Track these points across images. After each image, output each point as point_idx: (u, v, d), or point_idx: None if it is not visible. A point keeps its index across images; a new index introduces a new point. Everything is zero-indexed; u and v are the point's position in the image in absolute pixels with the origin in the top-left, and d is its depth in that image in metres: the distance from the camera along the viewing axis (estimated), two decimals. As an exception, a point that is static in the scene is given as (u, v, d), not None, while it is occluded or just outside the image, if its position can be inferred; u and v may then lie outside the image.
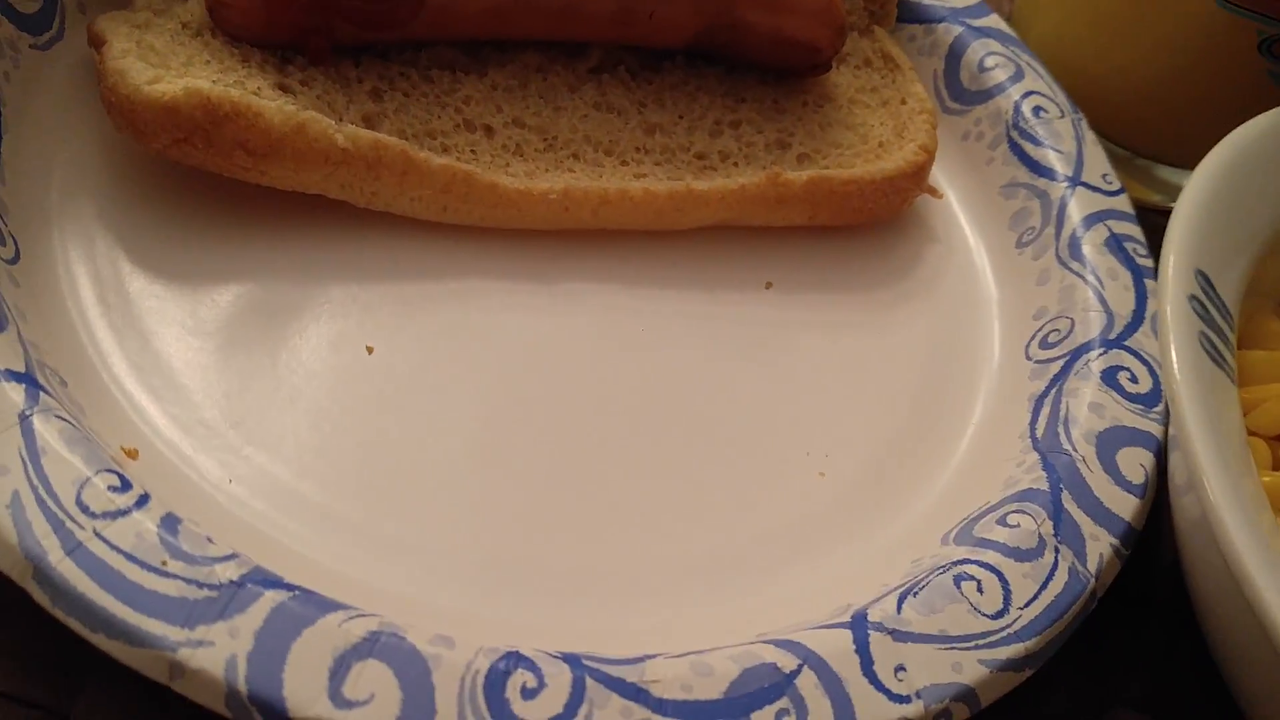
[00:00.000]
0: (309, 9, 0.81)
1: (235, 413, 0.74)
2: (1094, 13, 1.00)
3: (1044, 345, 0.87)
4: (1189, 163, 0.96)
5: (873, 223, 0.94)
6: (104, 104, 0.80)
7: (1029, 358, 0.88)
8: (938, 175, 0.98)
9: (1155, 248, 0.88)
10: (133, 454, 0.70)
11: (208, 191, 0.82)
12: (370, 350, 0.80)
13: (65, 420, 0.65)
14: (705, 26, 0.90)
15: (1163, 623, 0.81)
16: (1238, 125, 0.83)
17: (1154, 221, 0.95)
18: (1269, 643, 0.61)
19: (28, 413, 0.65)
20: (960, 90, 1.01)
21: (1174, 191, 1.03)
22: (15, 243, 0.76)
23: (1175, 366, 0.68)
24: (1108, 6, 0.98)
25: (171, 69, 0.80)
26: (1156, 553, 0.83)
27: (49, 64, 0.85)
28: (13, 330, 0.69)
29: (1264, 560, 0.61)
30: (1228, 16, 0.90)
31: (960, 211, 0.98)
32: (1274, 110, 0.83)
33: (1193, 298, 0.72)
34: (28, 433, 0.64)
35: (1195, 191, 0.76)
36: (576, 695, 0.62)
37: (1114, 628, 0.79)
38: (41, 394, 0.66)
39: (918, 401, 0.86)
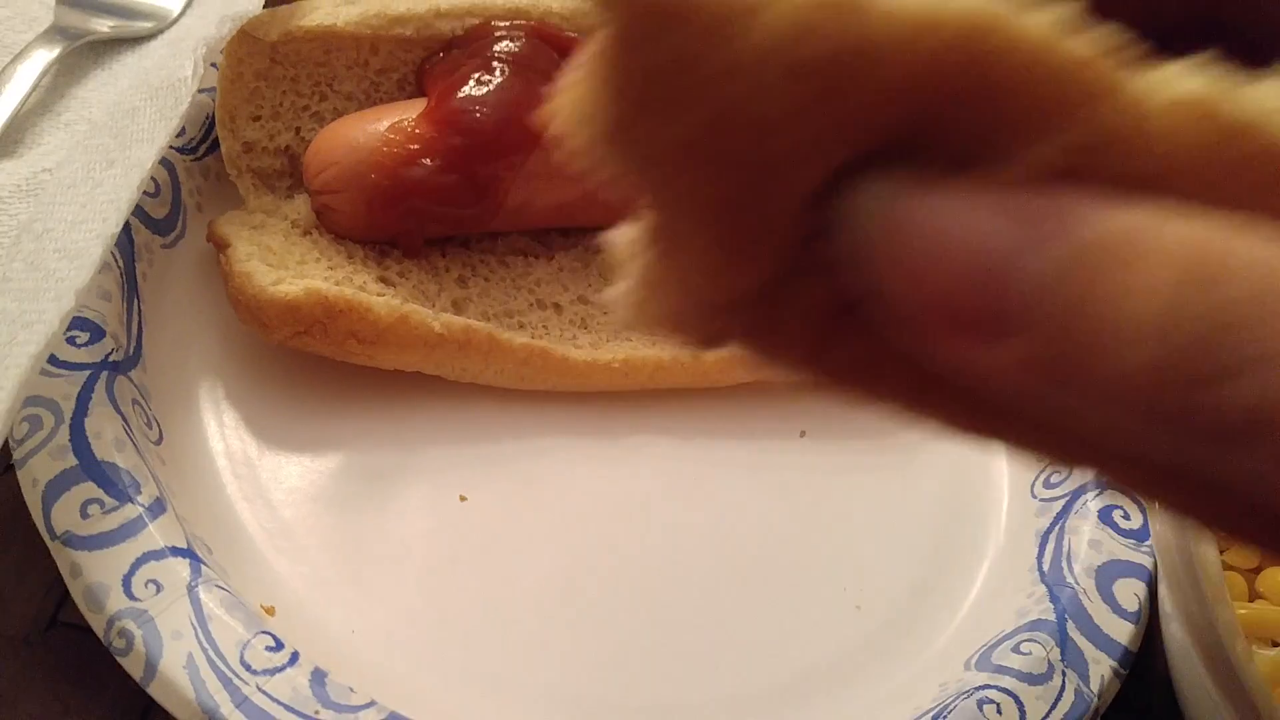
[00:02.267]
0: (405, 215, 0.95)
1: (351, 571, 0.87)
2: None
3: (1047, 485, 1.00)
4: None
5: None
6: (231, 301, 0.93)
7: (1035, 496, 1.00)
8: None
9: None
10: (270, 611, 0.82)
11: (319, 372, 0.95)
12: (463, 499, 0.92)
13: (223, 589, 0.78)
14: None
15: (1160, 730, 0.92)
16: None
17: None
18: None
19: (194, 584, 0.77)
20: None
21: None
22: (159, 425, 0.89)
23: (1160, 517, 0.80)
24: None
25: (289, 268, 0.93)
26: (1152, 666, 0.95)
27: (175, 261, 0.98)
28: (171, 509, 0.82)
29: (1233, 690, 0.73)
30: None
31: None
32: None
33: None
34: (195, 601, 0.76)
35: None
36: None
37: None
38: (202, 566, 0.79)
39: (939, 539, 0.98)
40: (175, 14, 1.05)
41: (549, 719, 0.83)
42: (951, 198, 0.30)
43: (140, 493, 0.80)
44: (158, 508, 0.80)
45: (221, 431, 0.91)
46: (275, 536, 0.87)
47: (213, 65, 0.97)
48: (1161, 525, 0.81)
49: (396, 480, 0.92)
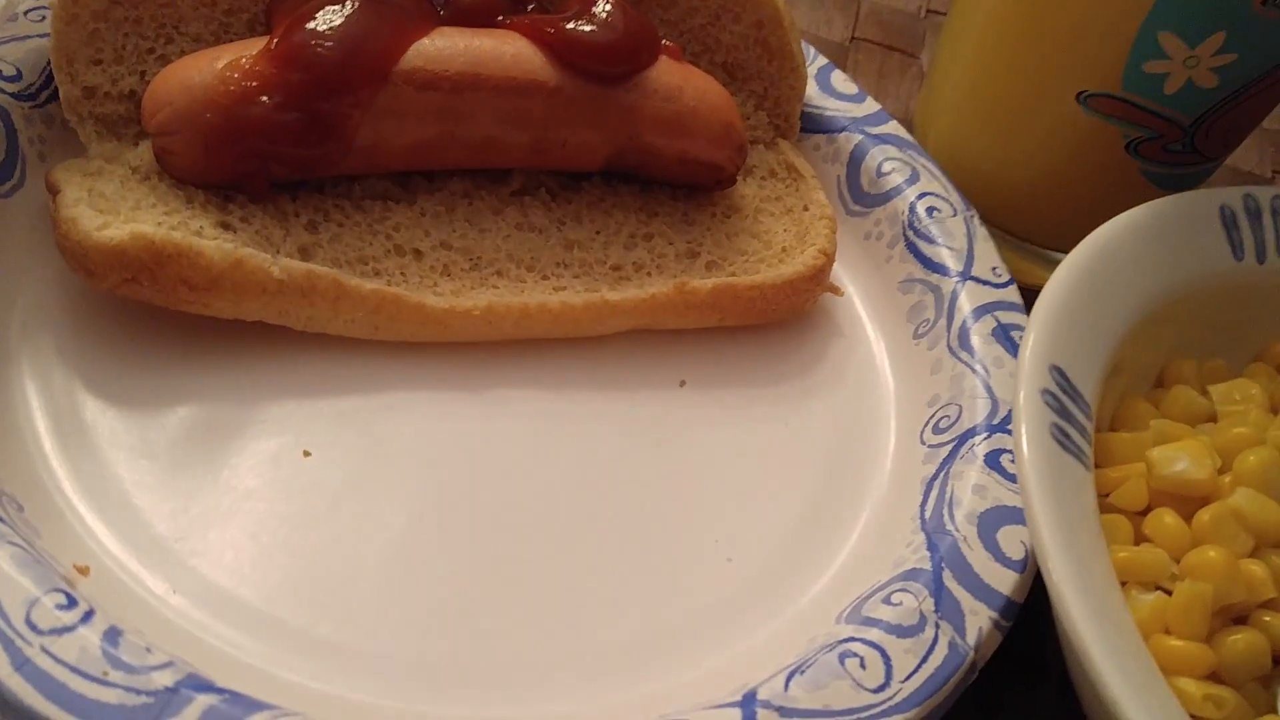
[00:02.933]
0: (245, 155, 0.89)
1: (180, 528, 0.81)
2: (982, 115, 1.08)
3: (936, 430, 0.94)
4: (1069, 245, 1.04)
5: (779, 321, 1.01)
6: (58, 247, 0.87)
7: (923, 442, 0.94)
8: (840, 273, 1.05)
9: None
10: (84, 571, 0.77)
11: (156, 323, 0.90)
12: (307, 454, 0.87)
13: (16, 545, 0.72)
14: (615, 151, 0.98)
15: (1057, 687, 0.87)
16: (1112, 209, 0.90)
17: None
18: (1108, 710, 0.67)
19: (-18, 540, 0.72)
20: (861, 194, 1.09)
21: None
22: (-22, 380, 0.84)
23: (1025, 459, 0.74)
24: (993, 109, 1.06)
25: (120, 214, 0.88)
26: (1046, 619, 0.89)
27: (10, 211, 0.92)
28: (-28, 464, 0.77)
29: (1101, 635, 0.68)
30: (1095, 121, 0.98)
31: (862, 307, 1.05)
32: (1138, 206, 0.91)
33: (1045, 391, 0.78)
34: (-20, 559, 0.71)
35: (1054, 289, 0.83)
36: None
37: (1011, 693, 0.85)
38: (-4, 523, 0.73)
39: (820, 488, 0.93)
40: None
41: (391, 687, 0.78)
42: None
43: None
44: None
45: (48, 386, 0.86)
46: (99, 495, 0.82)
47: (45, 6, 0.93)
48: (1026, 468, 0.75)
49: (235, 435, 0.87)
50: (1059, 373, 0.80)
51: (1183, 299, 0.89)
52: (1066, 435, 0.78)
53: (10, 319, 0.88)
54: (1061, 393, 0.80)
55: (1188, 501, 0.81)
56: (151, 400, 0.87)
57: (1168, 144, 0.99)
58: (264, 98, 0.88)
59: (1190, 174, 1.04)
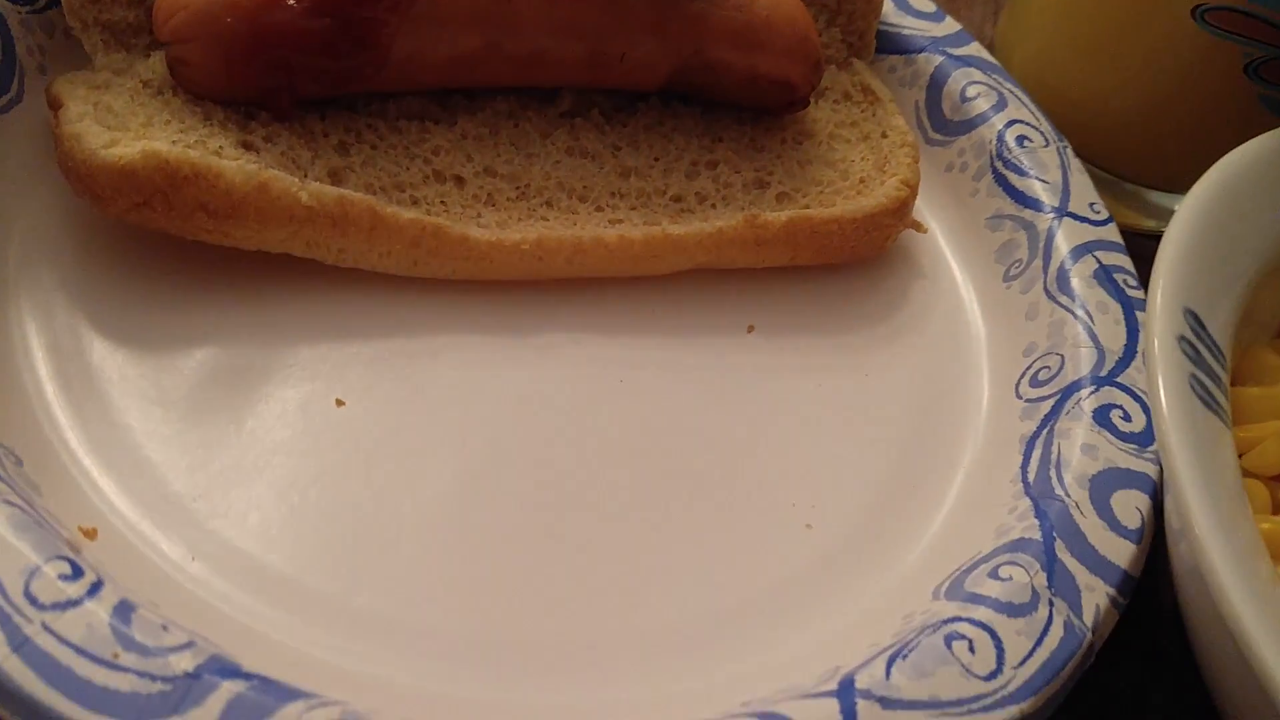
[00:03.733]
0: (270, 66, 0.80)
1: (199, 486, 0.72)
2: (1076, 36, 0.97)
3: (1034, 383, 0.85)
4: (1178, 187, 0.94)
5: (856, 260, 0.91)
6: (61, 168, 0.78)
7: (1019, 396, 0.85)
8: (921, 208, 0.95)
9: (1146, 276, 0.86)
10: (91, 534, 0.68)
11: (171, 254, 0.80)
12: (340, 403, 0.78)
13: (14, 505, 0.63)
14: (678, 67, 0.88)
15: (1171, 673, 0.78)
16: (1228, 149, 0.80)
17: (1145, 247, 0.93)
18: (1266, 698, 0.58)
19: (-27, 498, 0.63)
20: (943, 121, 0.99)
21: (1164, 216, 1.01)
22: (-30, 317, 0.74)
23: (1165, 414, 0.65)
24: (1089, 30, 0.96)
25: (130, 130, 0.78)
26: (1157, 596, 0.81)
27: (7, 128, 0.83)
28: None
29: (1259, 613, 0.59)
30: (1211, 39, 0.88)
31: (946, 245, 0.96)
32: (1263, 135, 0.81)
33: (1182, 339, 0.69)
34: (-28, 519, 0.62)
35: (1182, 226, 0.73)
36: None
37: (1119, 680, 0.77)
38: (-10, 479, 0.64)
39: (907, 446, 0.83)
40: None
41: (436, 668, 0.68)
42: None
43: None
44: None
45: (49, 325, 0.77)
46: (107, 447, 0.73)
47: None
48: (1167, 425, 0.66)
49: (260, 381, 0.78)
50: (1194, 318, 0.71)
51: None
52: (1205, 389, 0.69)
53: (7, 250, 0.79)
54: (1197, 340, 0.70)
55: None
56: (166, 341, 0.78)
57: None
58: (290, 1, 0.78)
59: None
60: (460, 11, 0.82)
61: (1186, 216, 0.74)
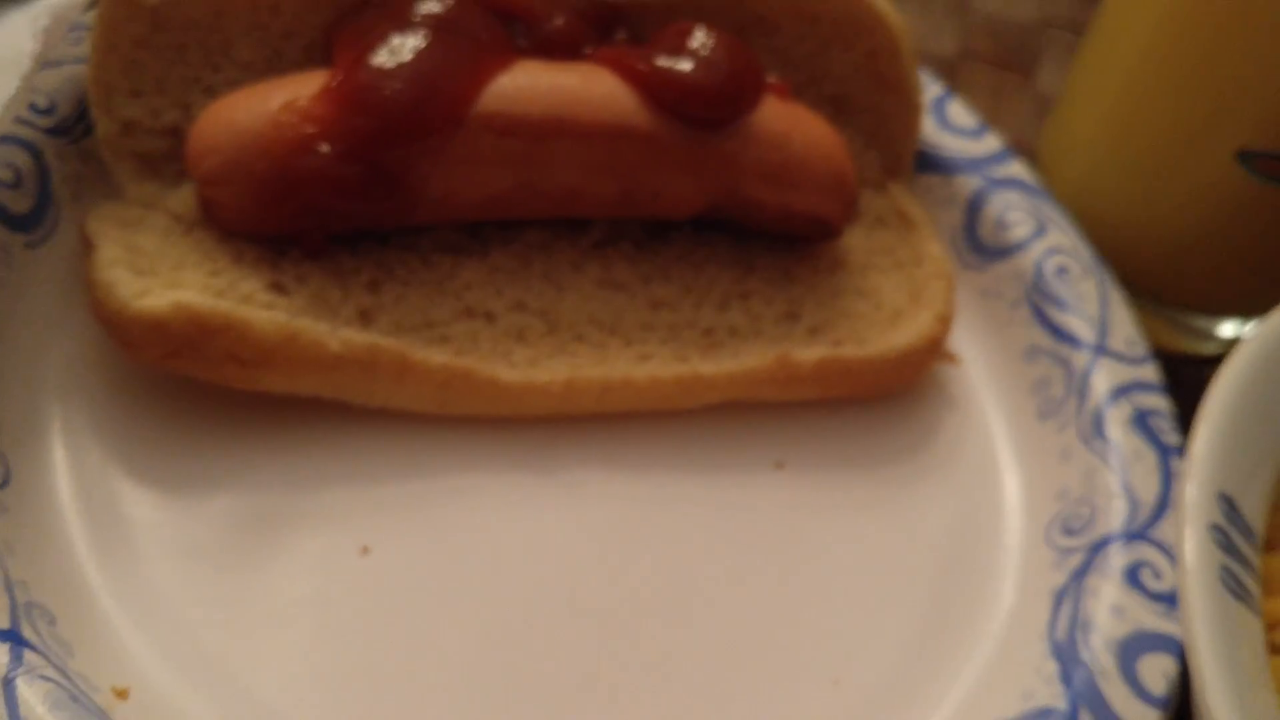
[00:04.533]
0: (301, 211, 0.80)
1: (228, 643, 0.73)
2: (1123, 162, 0.96)
3: (1066, 531, 0.84)
4: (1220, 311, 0.93)
5: (888, 394, 0.91)
6: (93, 314, 0.78)
7: (1050, 544, 0.84)
8: (954, 333, 0.94)
9: (1181, 401, 0.85)
10: (123, 694, 0.69)
11: (199, 393, 0.81)
12: (365, 550, 0.78)
13: (52, 680, 0.64)
14: (711, 202, 0.87)
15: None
16: (1273, 279, 0.79)
17: (1182, 370, 0.92)
18: None
19: (12, 675, 0.64)
20: (980, 246, 0.98)
21: (1203, 338, 1.00)
22: (5, 462, 0.75)
23: (1196, 616, 0.65)
24: (1137, 156, 0.94)
25: (161, 275, 0.78)
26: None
27: (42, 262, 0.83)
28: (1, 575, 0.68)
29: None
30: (1258, 181, 0.87)
31: (979, 375, 0.95)
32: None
33: (1214, 527, 0.68)
34: (10, 698, 0.63)
35: (1217, 405, 0.72)
36: None
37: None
38: (26, 652, 0.65)
39: (937, 595, 0.83)
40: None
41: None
42: None
43: (-45, 559, 0.67)
44: (-23, 577, 0.67)
45: (80, 471, 0.77)
46: (137, 600, 0.73)
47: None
48: (1191, 590, 0.66)
49: (286, 529, 0.78)
50: (1227, 503, 0.70)
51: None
52: (1237, 579, 0.68)
53: (43, 386, 0.80)
54: (1230, 525, 0.69)
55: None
56: (194, 486, 0.79)
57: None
58: (323, 146, 0.78)
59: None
60: (495, 153, 0.82)
61: (1224, 391, 0.73)
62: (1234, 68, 0.84)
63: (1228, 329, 0.99)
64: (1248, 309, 0.97)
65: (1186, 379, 0.91)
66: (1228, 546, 0.68)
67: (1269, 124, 0.84)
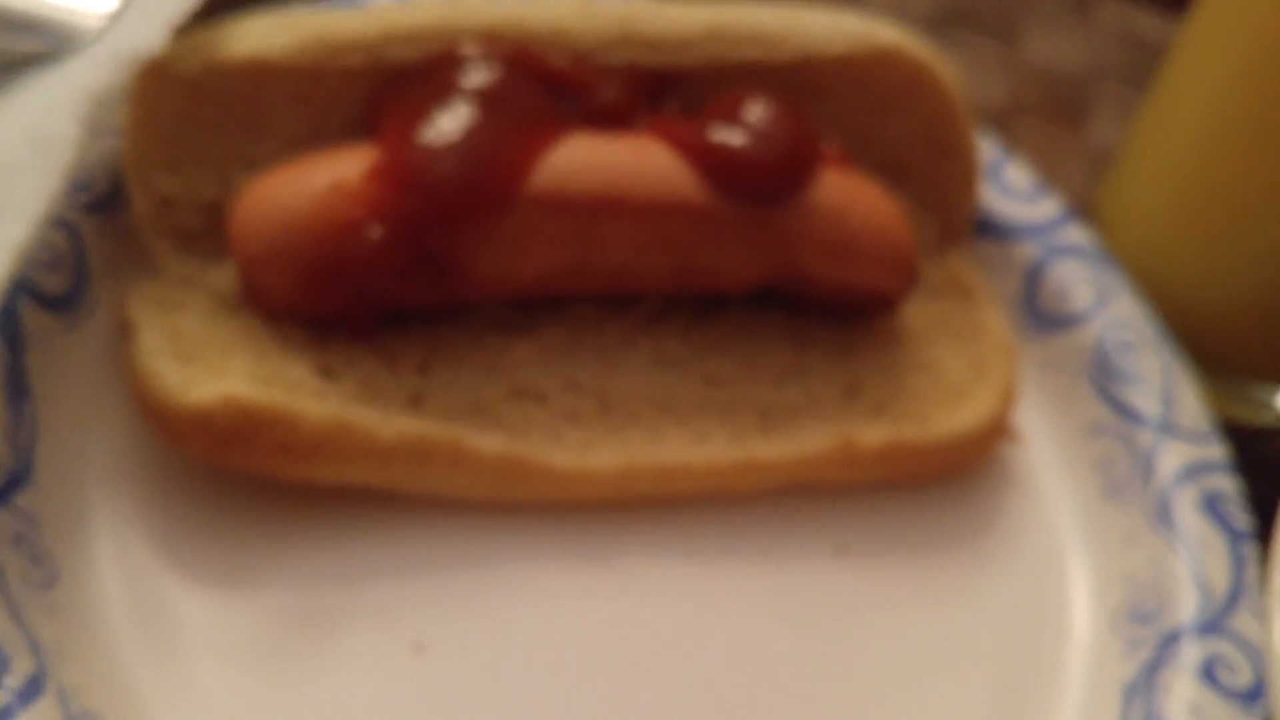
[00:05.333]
0: (349, 295, 0.77)
1: (278, 752, 0.71)
2: (1188, 223, 0.93)
3: (1134, 618, 0.82)
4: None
5: (949, 474, 0.88)
6: (136, 403, 0.76)
7: (1117, 633, 0.82)
8: (1016, 408, 0.91)
9: (1250, 475, 0.83)
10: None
11: (247, 483, 0.78)
12: (418, 648, 0.76)
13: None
14: (767, 277, 0.85)
15: None
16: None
17: (1252, 443, 0.90)
18: None
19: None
20: (1039, 315, 0.95)
21: (1267, 410, 0.97)
22: (50, 562, 0.73)
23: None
24: (1203, 218, 0.92)
25: (205, 363, 0.76)
26: None
27: (81, 342, 0.81)
28: (51, 686, 0.66)
29: None
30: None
31: (1040, 452, 0.92)
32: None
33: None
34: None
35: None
36: None
37: None
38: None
39: (1002, 688, 0.81)
40: (97, 28, 0.87)
41: None
42: None
43: (9, 671, 0.65)
44: (32, 690, 0.65)
45: (126, 568, 0.75)
46: (185, 703, 0.71)
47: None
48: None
49: (336, 626, 0.76)
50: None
51: None
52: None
53: (86, 474, 0.78)
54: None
55: None
56: (243, 582, 0.77)
57: None
58: (373, 229, 0.76)
59: None
60: (546, 232, 0.79)
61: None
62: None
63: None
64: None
65: (1254, 451, 0.89)
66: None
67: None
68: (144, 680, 0.72)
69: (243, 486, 0.78)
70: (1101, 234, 0.99)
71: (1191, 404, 0.88)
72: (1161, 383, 0.89)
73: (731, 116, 0.83)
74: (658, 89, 0.87)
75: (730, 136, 0.82)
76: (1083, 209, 1.02)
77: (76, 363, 0.80)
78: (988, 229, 0.97)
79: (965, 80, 0.91)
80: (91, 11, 0.88)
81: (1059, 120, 1.17)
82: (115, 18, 0.87)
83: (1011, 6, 1.25)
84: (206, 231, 0.83)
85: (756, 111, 0.83)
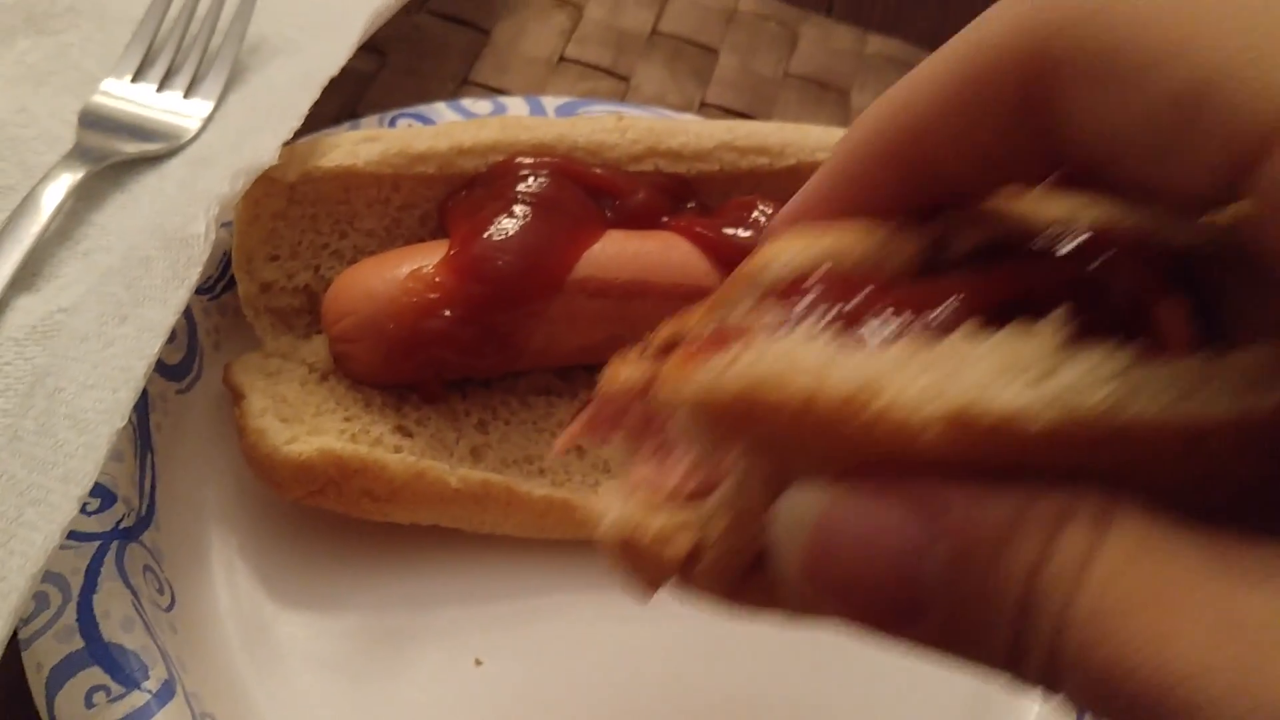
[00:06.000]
0: (424, 364, 0.92)
1: (365, 748, 0.85)
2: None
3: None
4: None
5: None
6: (244, 456, 0.91)
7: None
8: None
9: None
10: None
11: (332, 524, 0.93)
12: (478, 662, 0.90)
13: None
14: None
15: None
16: None
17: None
18: None
19: (197, 777, 0.75)
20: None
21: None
22: (171, 589, 0.87)
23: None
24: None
25: (304, 423, 0.91)
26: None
27: (190, 406, 0.96)
28: (180, 690, 0.79)
29: None
30: None
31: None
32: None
33: None
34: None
35: None
36: None
37: None
38: (207, 757, 0.77)
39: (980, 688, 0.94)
40: (194, 132, 1.03)
41: None
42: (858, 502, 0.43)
43: (148, 677, 0.78)
44: (166, 692, 0.78)
45: (234, 593, 0.89)
46: (286, 707, 0.85)
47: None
48: None
49: (410, 643, 0.90)
50: None
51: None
52: None
53: (198, 520, 0.92)
54: None
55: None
56: (332, 606, 0.91)
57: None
58: (445, 310, 0.91)
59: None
60: (588, 312, 0.94)
61: None
62: None
63: None
64: None
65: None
66: None
67: None
68: (252, 687, 0.86)
69: (332, 526, 0.93)
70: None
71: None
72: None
73: (742, 216, 0.99)
74: (680, 192, 1.02)
75: (740, 232, 0.98)
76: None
77: (188, 421, 0.95)
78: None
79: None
80: (191, 114, 1.05)
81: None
82: (209, 121, 1.04)
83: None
84: (299, 311, 0.98)
85: (762, 211, 0.99)
